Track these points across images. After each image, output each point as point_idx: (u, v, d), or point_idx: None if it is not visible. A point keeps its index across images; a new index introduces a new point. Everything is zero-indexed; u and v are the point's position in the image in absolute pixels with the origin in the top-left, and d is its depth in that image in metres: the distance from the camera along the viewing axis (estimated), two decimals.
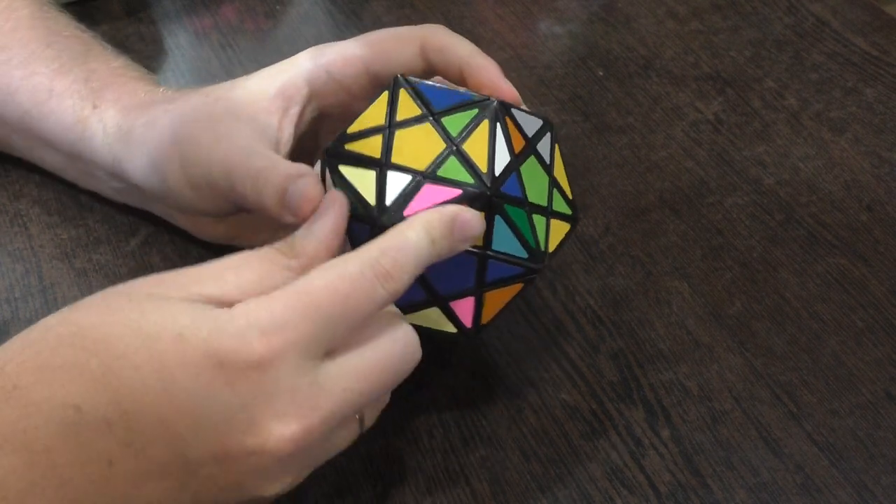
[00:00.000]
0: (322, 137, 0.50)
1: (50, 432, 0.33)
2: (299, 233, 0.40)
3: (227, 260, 0.38)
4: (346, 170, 0.41)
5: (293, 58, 0.48)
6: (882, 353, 0.49)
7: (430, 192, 0.40)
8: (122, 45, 0.55)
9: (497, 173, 0.40)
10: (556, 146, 0.44)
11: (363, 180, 0.41)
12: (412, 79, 0.43)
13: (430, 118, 0.41)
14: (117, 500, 0.34)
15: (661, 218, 0.55)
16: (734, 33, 0.68)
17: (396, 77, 0.43)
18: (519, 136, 0.42)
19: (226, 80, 0.49)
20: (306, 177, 0.41)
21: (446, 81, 0.45)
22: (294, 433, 0.35)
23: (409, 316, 0.40)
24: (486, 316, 0.43)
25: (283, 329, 0.35)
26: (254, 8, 0.69)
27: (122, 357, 0.35)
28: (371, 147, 0.41)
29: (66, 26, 0.54)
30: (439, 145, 0.41)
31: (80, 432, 0.34)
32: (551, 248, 0.43)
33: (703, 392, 0.47)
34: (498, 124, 0.41)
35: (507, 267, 0.41)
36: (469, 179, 0.40)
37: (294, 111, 0.47)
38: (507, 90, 0.44)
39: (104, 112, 0.50)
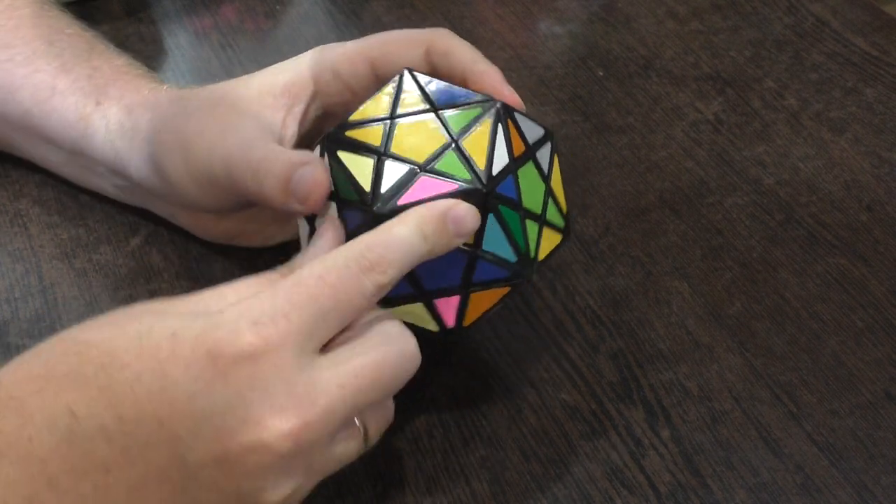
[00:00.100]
0: None
1: (47, 441, 0.33)
2: (298, 257, 0.41)
3: (227, 283, 0.39)
4: (344, 155, 0.41)
5: (299, 56, 0.48)
6: (882, 353, 0.49)
7: (426, 185, 0.40)
8: (122, 45, 0.55)
9: (494, 173, 0.40)
10: (556, 158, 0.44)
11: (361, 167, 0.41)
12: (419, 74, 0.43)
13: (433, 113, 0.42)
14: None
15: (661, 218, 0.55)
16: (734, 33, 0.68)
17: (404, 70, 0.43)
18: (519, 140, 0.42)
19: (226, 80, 0.49)
20: (312, 163, 0.41)
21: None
22: (293, 427, 0.35)
23: (392, 310, 0.41)
24: (470, 317, 0.43)
25: (274, 319, 0.36)
26: (254, 8, 0.69)
27: (126, 367, 0.35)
28: (371, 136, 0.41)
29: (69, 25, 0.54)
30: (440, 140, 0.41)
31: (77, 440, 0.34)
32: (541, 256, 0.43)
33: (702, 392, 0.47)
34: (500, 125, 0.41)
35: (495, 269, 0.41)
36: (466, 175, 0.40)
37: (298, 109, 0.47)
38: (509, 96, 0.44)
39: (107, 109, 0.50)
